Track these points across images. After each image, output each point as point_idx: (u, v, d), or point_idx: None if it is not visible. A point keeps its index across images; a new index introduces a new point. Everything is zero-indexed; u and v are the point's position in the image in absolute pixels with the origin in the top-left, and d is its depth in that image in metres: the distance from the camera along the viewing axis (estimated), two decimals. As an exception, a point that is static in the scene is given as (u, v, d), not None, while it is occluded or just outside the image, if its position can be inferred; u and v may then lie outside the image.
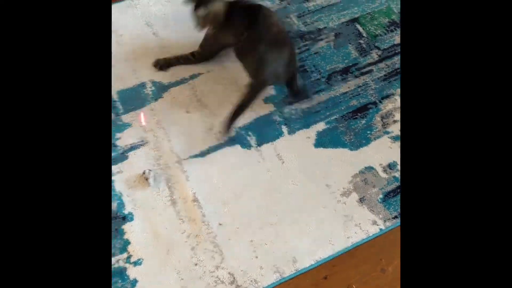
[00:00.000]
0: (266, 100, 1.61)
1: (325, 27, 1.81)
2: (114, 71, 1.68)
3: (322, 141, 1.53)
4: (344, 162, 1.49)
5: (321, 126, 1.56)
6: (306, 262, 1.32)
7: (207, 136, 1.54)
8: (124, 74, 1.68)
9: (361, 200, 1.42)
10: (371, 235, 1.37)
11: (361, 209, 1.41)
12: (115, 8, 1.86)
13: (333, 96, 1.63)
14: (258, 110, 1.58)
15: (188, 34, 1.79)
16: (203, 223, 1.38)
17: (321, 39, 1.77)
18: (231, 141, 1.52)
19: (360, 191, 1.44)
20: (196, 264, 1.32)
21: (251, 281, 1.30)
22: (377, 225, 1.38)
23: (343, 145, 1.53)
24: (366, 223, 1.39)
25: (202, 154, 1.50)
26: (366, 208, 1.41)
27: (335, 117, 1.59)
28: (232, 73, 1.67)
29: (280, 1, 1.88)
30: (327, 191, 1.44)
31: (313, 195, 1.43)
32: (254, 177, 1.46)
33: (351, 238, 1.36)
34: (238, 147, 1.52)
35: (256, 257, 1.33)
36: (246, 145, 1.52)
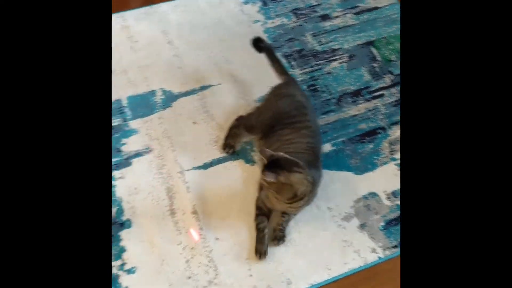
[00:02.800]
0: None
1: (339, 48, 1.80)
2: (126, 76, 1.69)
3: (327, 162, 1.51)
4: (348, 186, 1.47)
5: (327, 147, 1.55)
6: (301, 285, 1.30)
7: (211, 149, 1.53)
8: (136, 80, 1.69)
9: (362, 226, 1.40)
10: (369, 262, 1.34)
11: (361, 235, 1.38)
12: (132, 14, 1.88)
13: (342, 117, 1.62)
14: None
15: (202, 45, 1.80)
16: (200, 236, 1.36)
17: (335, 60, 1.76)
18: (234, 156, 1.51)
19: (362, 217, 1.42)
20: (189, 278, 1.30)
21: (243, 299, 1.28)
22: (376, 253, 1.36)
23: (348, 169, 1.51)
24: (365, 250, 1.36)
25: (205, 166, 1.50)
26: (366, 234, 1.38)
27: (342, 139, 1.57)
28: (242, 87, 1.67)
29: (297, 18, 1.88)
30: (328, 214, 1.42)
31: (313, 217, 1.41)
32: (256, 194, 1.44)
33: (348, 264, 1.33)
34: (241, 162, 1.51)
35: (251, 275, 1.31)
36: (250, 160, 1.51)
